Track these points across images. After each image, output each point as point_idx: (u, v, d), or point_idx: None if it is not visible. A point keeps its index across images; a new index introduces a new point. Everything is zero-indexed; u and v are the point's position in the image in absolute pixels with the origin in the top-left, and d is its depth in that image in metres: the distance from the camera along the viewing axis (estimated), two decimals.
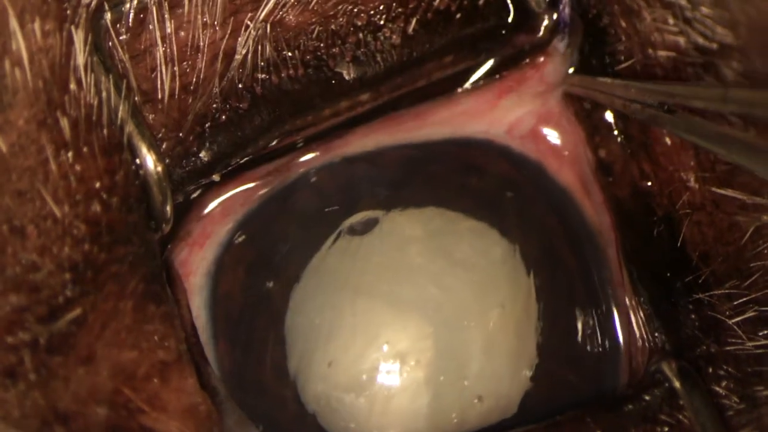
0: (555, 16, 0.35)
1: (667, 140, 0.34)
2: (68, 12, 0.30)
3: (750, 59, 0.31)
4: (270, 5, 0.32)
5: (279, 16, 0.33)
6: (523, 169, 0.37)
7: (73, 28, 0.30)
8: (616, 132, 0.35)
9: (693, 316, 0.34)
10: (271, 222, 0.36)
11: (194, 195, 0.35)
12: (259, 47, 0.32)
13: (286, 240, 0.36)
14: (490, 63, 0.35)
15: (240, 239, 0.36)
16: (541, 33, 0.35)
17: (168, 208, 0.32)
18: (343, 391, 0.35)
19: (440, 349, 0.35)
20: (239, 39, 0.32)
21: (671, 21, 0.33)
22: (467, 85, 0.36)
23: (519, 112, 0.37)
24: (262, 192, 0.36)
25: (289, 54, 0.33)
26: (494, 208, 0.36)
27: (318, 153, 0.36)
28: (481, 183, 0.37)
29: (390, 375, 0.35)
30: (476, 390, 0.35)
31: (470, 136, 0.37)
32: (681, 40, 0.33)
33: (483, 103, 0.36)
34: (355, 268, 0.36)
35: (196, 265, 0.36)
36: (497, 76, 0.36)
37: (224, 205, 0.36)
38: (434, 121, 0.36)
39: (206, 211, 0.35)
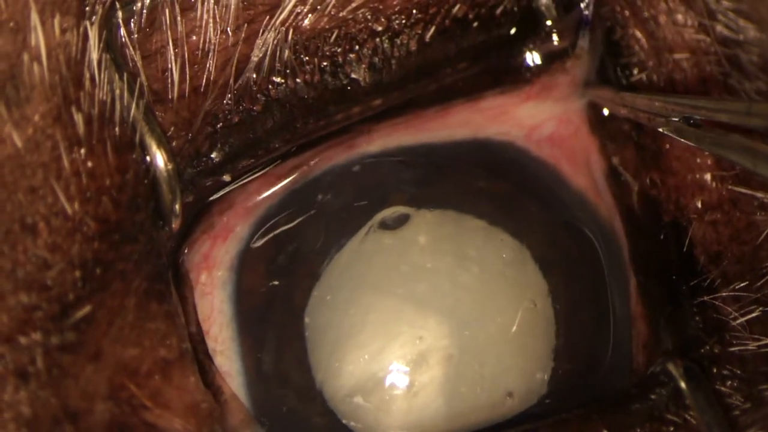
0: (573, 19, 0.35)
1: (683, 143, 0.34)
2: (87, 8, 0.30)
3: None
4: (286, 12, 0.32)
5: (296, 21, 0.32)
6: (540, 173, 0.37)
7: (88, 24, 0.30)
8: (629, 141, 0.36)
9: (697, 318, 0.34)
10: (293, 218, 0.36)
11: (216, 190, 0.35)
12: (277, 51, 0.32)
13: (307, 237, 0.36)
14: (511, 68, 0.36)
15: (262, 235, 0.36)
16: (557, 39, 0.35)
17: (177, 206, 0.32)
18: (365, 388, 0.35)
19: (466, 345, 0.35)
20: (257, 41, 0.32)
21: (691, 21, 0.33)
22: (493, 88, 0.36)
23: (541, 117, 0.37)
24: (285, 188, 0.36)
25: (306, 59, 0.33)
26: (510, 209, 0.36)
27: (340, 151, 0.36)
28: (499, 185, 0.37)
29: (413, 372, 0.35)
30: (506, 386, 0.35)
31: (491, 137, 0.37)
32: (702, 36, 0.33)
33: (507, 106, 0.36)
34: (375, 266, 0.36)
35: (220, 258, 0.35)
36: (525, 80, 0.36)
37: (247, 201, 0.35)
38: (456, 121, 0.36)
39: (229, 205, 0.35)
